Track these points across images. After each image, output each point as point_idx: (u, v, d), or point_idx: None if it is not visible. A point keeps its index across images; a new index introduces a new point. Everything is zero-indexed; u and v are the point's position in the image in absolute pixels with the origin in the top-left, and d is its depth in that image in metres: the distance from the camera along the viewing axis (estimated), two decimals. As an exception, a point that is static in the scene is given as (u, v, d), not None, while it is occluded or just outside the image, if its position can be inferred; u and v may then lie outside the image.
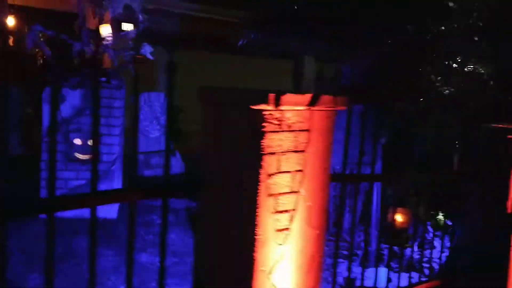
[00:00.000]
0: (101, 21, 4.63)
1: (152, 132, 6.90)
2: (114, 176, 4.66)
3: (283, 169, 1.95)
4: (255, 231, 1.89)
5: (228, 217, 2.00)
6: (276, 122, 1.89)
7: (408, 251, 4.20)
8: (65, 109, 4.55)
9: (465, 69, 6.65)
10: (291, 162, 1.97)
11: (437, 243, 4.44)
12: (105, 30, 4.66)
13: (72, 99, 4.52)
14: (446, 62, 6.46)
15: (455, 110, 4.55)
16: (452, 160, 4.73)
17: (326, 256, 4.68)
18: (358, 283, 3.96)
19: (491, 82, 5.77)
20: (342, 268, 4.25)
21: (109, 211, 4.56)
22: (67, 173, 4.56)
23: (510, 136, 3.69)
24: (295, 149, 1.98)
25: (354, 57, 5.31)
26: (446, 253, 4.19)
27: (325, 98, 2.01)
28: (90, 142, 4.63)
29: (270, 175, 1.90)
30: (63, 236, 4.23)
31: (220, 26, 10.76)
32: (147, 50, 5.04)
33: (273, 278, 1.99)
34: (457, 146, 4.29)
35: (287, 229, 2.01)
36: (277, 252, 1.98)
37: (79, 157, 4.58)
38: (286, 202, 1.98)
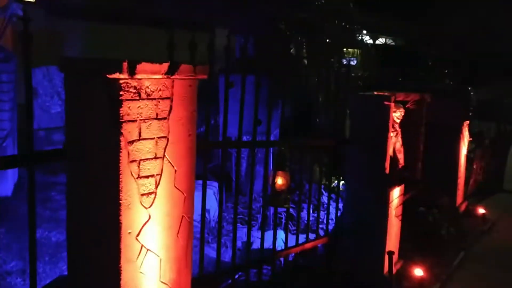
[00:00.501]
0: None
1: (53, 108, 6.68)
2: (7, 152, 4.49)
3: (145, 136, 2.03)
4: (119, 196, 1.97)
5: (92, 184, 2.06)
6: (134, 91, 1.96)
7: (304, 214, 4.47)
8: None
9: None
10: (153, 129, 2.06)
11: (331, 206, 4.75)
12: None
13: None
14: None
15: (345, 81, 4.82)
16: (343, 127, 5.03)
17: (226, 222, 4.87)
18: (255, 246, 4.16)
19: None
20: (243, 233, 4.44)
21: (3, 189, 4.44)
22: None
23: (386, 103, 4.00)
24: (156, 117, 2.07)
25: (250, 29, 5.46)
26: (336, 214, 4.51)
27: (184, 67, 2.11)
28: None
29: (131, 142, 1.97)
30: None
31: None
32: (15, 8, 4.70)
33: (141, 239, 2.08)
34: (339, 114, 4.57)
35: (153, 193, 2.11)
36: (143, 215, 2.08)
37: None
38: (150, 167, 2.07)
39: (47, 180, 5.19)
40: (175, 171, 2.19)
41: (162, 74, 2.02)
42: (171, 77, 2.09)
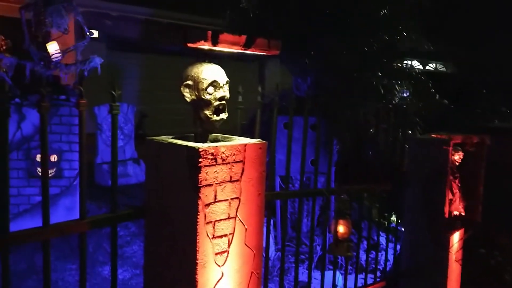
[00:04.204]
0: (48, 39, 4.72)
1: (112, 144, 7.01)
2: (76, 191, 4.79)
3: (220, 198, 2.17)
4: (196, 256, 2.11)
5: (170, 243, 2.21)
6: (211, 157, 2.10)
7: (361, 254, 4.48)
8: (26, 127, 4.66)
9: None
10: (227, 191, 2.20)
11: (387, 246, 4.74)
12: (52, 47, 4.75)
13: (33, 117, 4.63)
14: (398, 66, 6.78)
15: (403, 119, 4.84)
16: (401, 165, 5.02)
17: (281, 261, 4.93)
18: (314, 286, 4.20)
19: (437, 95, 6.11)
20: (298, 271, 4.49)
21: (75, 215, 4.69)
22: (30, 189, 4.69)
23: (445, 147, 4.00)
24: (230, 180, 2.21)
25: (311, 65, 5.56)
26: (393, 256, 4.50)
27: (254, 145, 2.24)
28: (51, 158, 4.76)
29: (207, 204, 2.11)
30: (26, 251, 4.36)
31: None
32: (97, 62, 5.10)
33: (214, 295, 2.21)
34: (398, 155, 4.58)
35: (225, 251, 2.23)
36: (217, 273, 2.21)
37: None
38: (224, 227, 2.21)
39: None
40: (246, 229, 2.31)
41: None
42: (244, 143, 2.23)
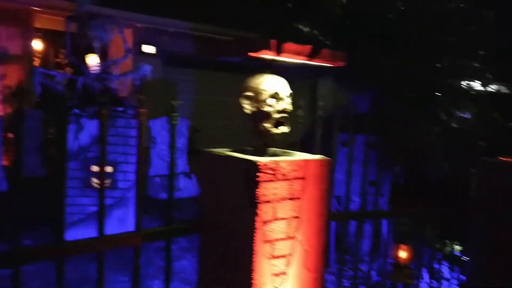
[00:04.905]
0: (89, 51, 4.80)
1: (169, 156, 7.06)
2: (129, 202, 4.81)
3: (279, 216, 2.04)
4: (252, 276, 1.98)
5: (225, 260, 2.10)
6: (271, 172, 1.99)
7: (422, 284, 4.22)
8: (83, 138, 4.74)
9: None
10: (286, 209, 2.07)
11: (449, 274, 4.45)
12: (91, 60, 4.82)
13: (90, 128, 4.70)
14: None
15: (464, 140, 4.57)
16: (467, 189, 4.73)
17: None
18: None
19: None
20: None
21: (127, 227, 4.70)
22: (84, 199, 4.74)
23: (516, 170, 3.71)
24: (290, 197, 2.08)
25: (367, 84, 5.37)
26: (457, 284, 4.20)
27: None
28: (107, 169, 4.81)
29: (265, 222, 1.99)
30: (79, 262, 4.37)
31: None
32: (146, 69, 5.13)
33: (269, 320, 2.07)
34: (464, 177, 4.30)
35: (283, 273, 2.10)
36: (273, 295, 2.07)
37: (96, 184, 4.75)
38: (282, 247, 2.07)
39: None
40: (306, 251, 2.17)
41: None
42: (306, 159, 2.11)
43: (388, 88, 5.37)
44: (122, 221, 4.81)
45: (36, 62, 10.27)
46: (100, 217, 1.97)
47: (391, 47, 5.37)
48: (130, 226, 4.96)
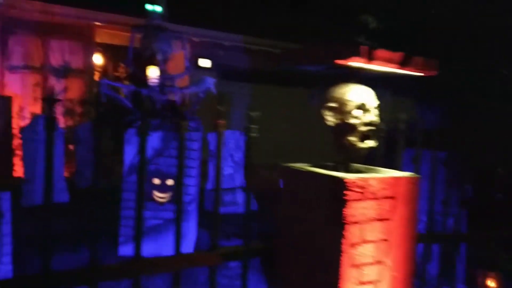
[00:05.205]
0: (151, 63, 4.78)
1: (226, 169, 6.99)
2: (190, 216, 4.74)
3: (367, 238, 1.87)
4: (337, 303, 1.82)
5: (306, 284, 1.94)
6: (359, 190, 1.83)
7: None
8: (146, 150, 4.70)
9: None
10: (375, 231, 1.90)
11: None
12: (153, 72, 4.79)
13: (152, 140, 4.69)
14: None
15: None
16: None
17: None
18: None
19: None
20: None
21: (185, 248, 4.63)
22: (146, 213, 4.70)
23: None
24: (379, 218, 1.91)
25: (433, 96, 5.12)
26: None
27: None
28: (168, 182, 4.77)
29: (352, 245, 1.83)
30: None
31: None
32: (209, 82, 5.07)
33: None
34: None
35: (370, 300, 1.92)
36: (359, 325, 1.90)
37: (157, 197, 4.72)
38: (370, 273, 1.90)
39: (225, 245, 5.26)
40: (394, 276, 1.98)
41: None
42: (396, 176, 1.93)
43: (462, 99, 5.08)
44: (183, 235, 4.73)
45: (96, 76, 10.54)
46: (177, 235, 1.87)
47: (474, 52, 5.11)
48: (191, 241, 4.90)
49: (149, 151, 4.74)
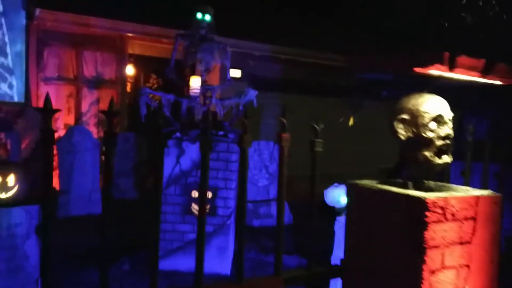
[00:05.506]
0: (192, 73, 4.68)
1: (261, 181, 6.86)
2: (230, 230, 4.62)
3: (447, 264, 1.70)
4: (415, 335, 1.65)
5: (380, 314, 1.78)
6: (440, 211, 1.66)
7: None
8: (185, 162, 4.63)
9: None
10: (455, 255, 1.73)
11: None
12: (195, 82, 4.70)
13: (191, 152, 4.60)
14: None
15: None
16: None
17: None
18: None
19: None
20: None
21: (223, 267, 4.50)
22: (184, 226, 4.60)
23: None
24: (459, 241, 1.74)
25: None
26: None
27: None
28: (208, 195, 4.66)
29: (432, 271, 1.66)
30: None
31: (331, 71, 10.67)
32: (252, 95, 4.97)
33: None
34: None
35: (450, 332, 1.75)
36: None
37: (196, 210, 4.60)
38: (450, 301, 1.73)
39: (263, 259, 5.10)
40: (475, 305, 1.81)
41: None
42: (476, 195, 1.76)
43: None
44: (222, 249, 4.61)
45: (128, 86, 10.58)
46: (239, 260, 1.74)
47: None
48: (229, 255, 4.77)
49: (188, 163, 4.65)
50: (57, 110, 1.49)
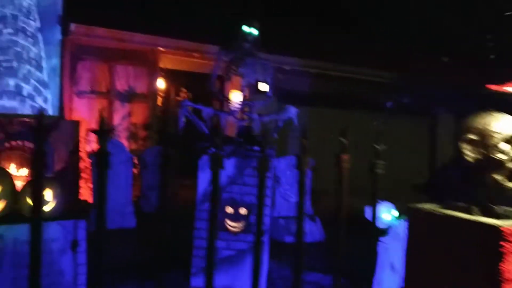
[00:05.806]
0: (233, 87, 4.62)
1: (293, 196, 6.74)
2: (265, 247, 4.51)
3: (524, 298, 1.57)
4: None
5: None
6: (517, 241, 1.53)
7: None
8: (220, 178, 4.54)
9: None
10: (532, 289, 1.59)
11: None
12: (235, 97, 4.63)
13: (227, 167, 4.52)
14: None
15: None
16: None
17: None
18: None
19: None
20: None
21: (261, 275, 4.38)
22: (218, 243, 4.51)
23: None
24: (536, 273, 1.60)
25: None
26: None
27: None
28: (241, 211, 4.57)
29: (509, 307, 1.53)
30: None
31: (359, 85, 10.56)
32: (292, 112, 4.88)
33: None
34: None
35: None
36: None
37: (230, 226, 4.52)
38: None
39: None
40: None
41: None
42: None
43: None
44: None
45: (159, 100, 10.64)
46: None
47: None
48: (264, 273, 4.66)
49: (223, 179, 4.57)
50: (112, 130, 1.42)
